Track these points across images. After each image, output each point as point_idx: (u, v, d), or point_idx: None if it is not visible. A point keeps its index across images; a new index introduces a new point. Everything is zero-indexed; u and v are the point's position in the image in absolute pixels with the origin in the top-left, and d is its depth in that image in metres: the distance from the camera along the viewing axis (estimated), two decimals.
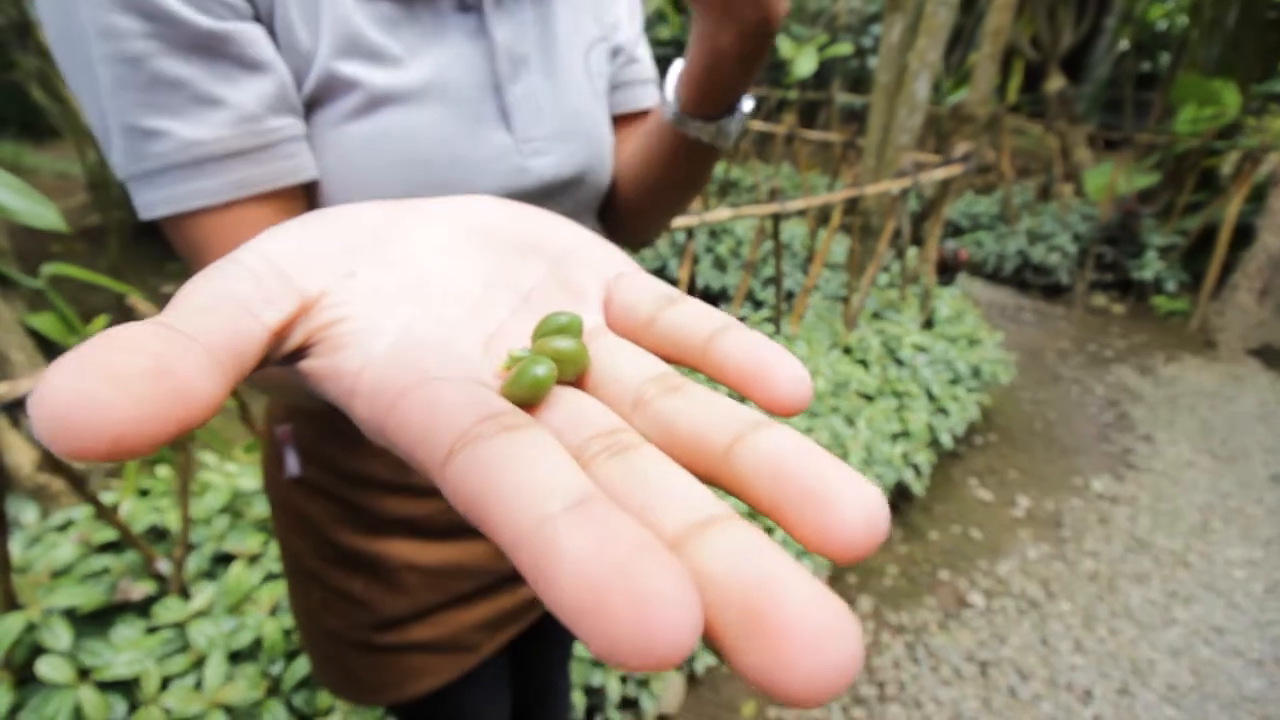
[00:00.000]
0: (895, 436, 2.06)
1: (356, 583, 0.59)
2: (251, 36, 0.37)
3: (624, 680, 1.45)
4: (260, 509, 1.34)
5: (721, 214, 1.78)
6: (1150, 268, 3.91)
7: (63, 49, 0.36)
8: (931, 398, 2.24)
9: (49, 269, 1.25)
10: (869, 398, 2.14)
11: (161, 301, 2.67)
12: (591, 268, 0.22)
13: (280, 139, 0.39)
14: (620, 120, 0.58)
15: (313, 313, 0.18)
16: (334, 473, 0.57)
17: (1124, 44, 7.10)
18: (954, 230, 4.72)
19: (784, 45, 6.08)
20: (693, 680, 1.59)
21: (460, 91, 0.44)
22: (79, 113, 3.33)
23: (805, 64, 5.70)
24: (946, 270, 2.92)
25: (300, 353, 0.18)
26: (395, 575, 0.59)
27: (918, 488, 2.10)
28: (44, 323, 1.24)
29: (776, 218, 1.94)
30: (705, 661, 1.56)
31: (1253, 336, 3.49)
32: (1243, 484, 2.46)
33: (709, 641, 0.12)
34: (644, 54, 0.58)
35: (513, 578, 0.65)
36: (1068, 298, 4.13)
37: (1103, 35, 7.58)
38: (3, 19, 3.39)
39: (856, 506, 0.13)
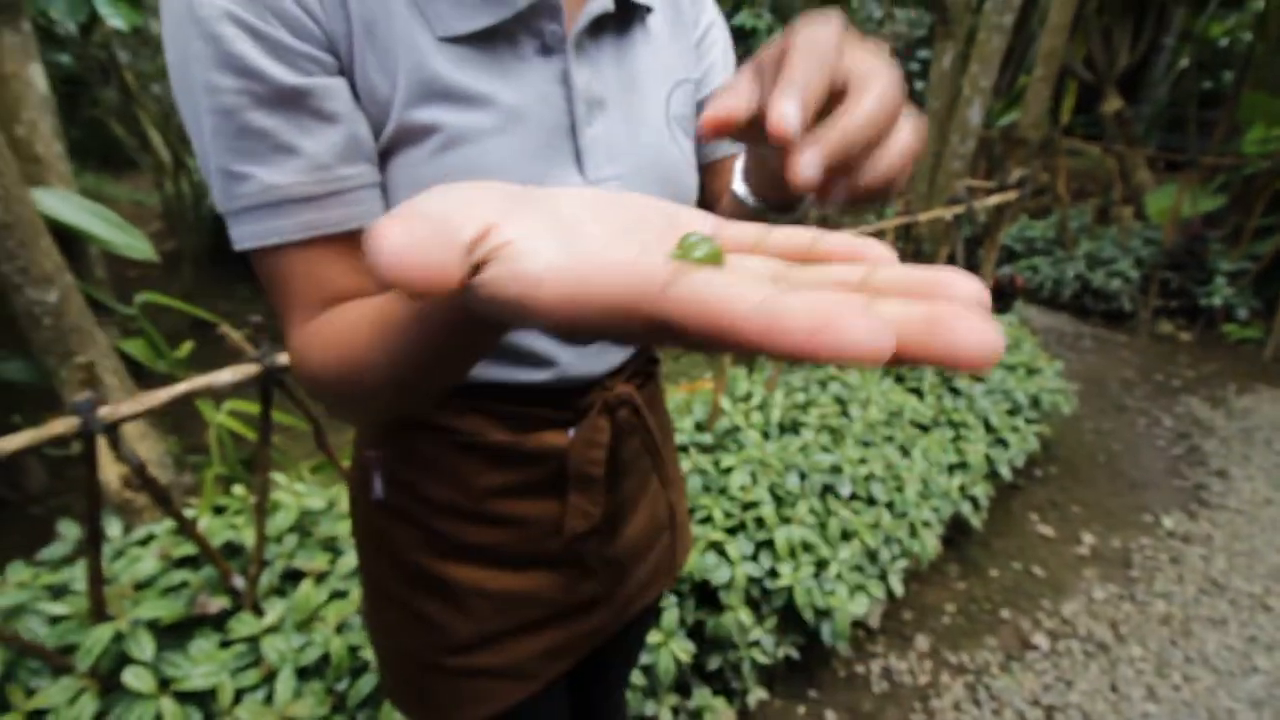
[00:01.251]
0: (952, 468, 2.01)
1: (432, 605, 0.61)
2: (331, 91, 0.41)
3: (675, 712, 1.44)
4: (327, 528, 1.39)
5: None
6: (1219, 294, 3.74)
7: (182, 99, 0.41)
8: (989, 428, 2.18)
9: (141, 297, 1.33)
10: (924, 428, 2.10)
11: (239, 326, 2.81)
12: (699, 219, 0.28)
13: (350, 186, 0.42)
14: (709, 172, 0.60)
15: (489, 235, 0.22)
16: (415, 498, 0.59)
17: (1184, 62, 6.87)
18: (1009, 255, 4.61)
19: None
20: (744, 715, 1.56)
21: (535, 134, 0.46)
22: (158, 147, 3.55)
23: None
24: (1003, 297, 2.85)
25: (481, 267, 0.22)
26: (466, 600, 0.61)
27: (976, 521, 2.04)
28: (135, 347, 1.33)
29: None
30: (757, 696, 1.53)
31: None
32: None
33: (900, 348, 0.18)
34: None
35: (576, 610, 0.66)
36: (1131, 325, 3.98)
37: (1161, 54, 7.36)
38: (91, 60, 3.66)
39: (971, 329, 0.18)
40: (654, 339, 0.21)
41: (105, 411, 0.93)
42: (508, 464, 0.57)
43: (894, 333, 0.17)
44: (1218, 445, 2.79)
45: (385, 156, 0.44)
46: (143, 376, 1.47)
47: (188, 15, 0.38)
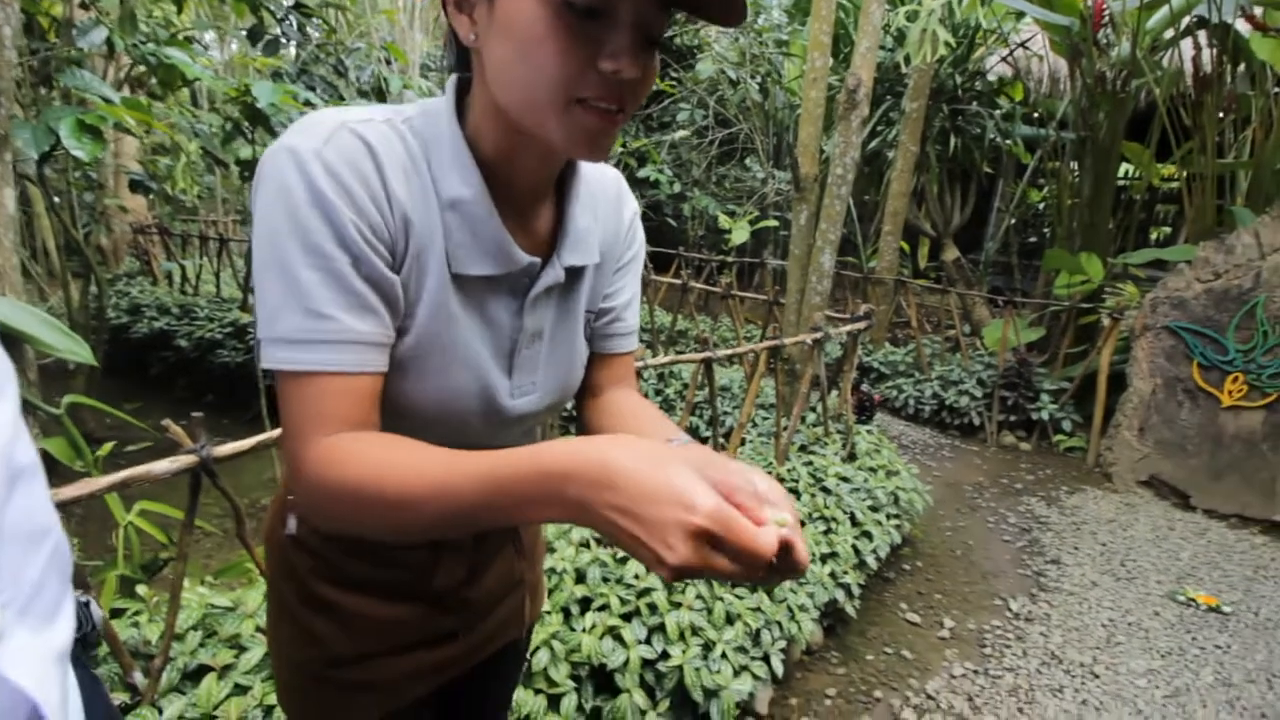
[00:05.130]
0: (824, 558, 2.26)
1: (319, 623, 0.75)
2: (397, 284, 0.58)
3: None
4: (231, 626, 1.43)
5: (661, 360, 2.09)
6: (1045, 409, 4.40)
7: (272, 256, 0.54)
8: (855, 522, 2.47)
9: (69, 398, 1.42)
10: (801, 523, 2.35)
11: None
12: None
13: (389, 344, 0.59)
14: (597, 357, 0.79)
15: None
16: (322, 537, 0.75)
17: (1011, 221, 8.32)
18: (878, 376, 5.22)
19: (722, 219, 6.94)
20: None
21: (487, 348, 0.65)
22: (54, 258, 3.53)
23: (740, 234, 6.51)
24: (864, 409, 3.28)
25: None
26: (349, 621, 0.75)
27: (850, 609, 2.26)
28: (54, 446, 1.38)
29: (709, 363, 2.26)
30: None
31: (1140, 469, 3.91)
32: (1140, 600, 2.71)
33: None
34: (630, 315, 0.79)
35: (438, 639, 0.80)
36: (981, 436, 4.56)
37: (992, 214, 8.89)
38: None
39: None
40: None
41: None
42: None
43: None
44: (1053, 538, 3.21)
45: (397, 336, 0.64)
46: (58, 475, 1.48)
47: (307, 197, 0.52)
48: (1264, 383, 3.56)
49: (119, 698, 1.19)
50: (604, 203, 0.75)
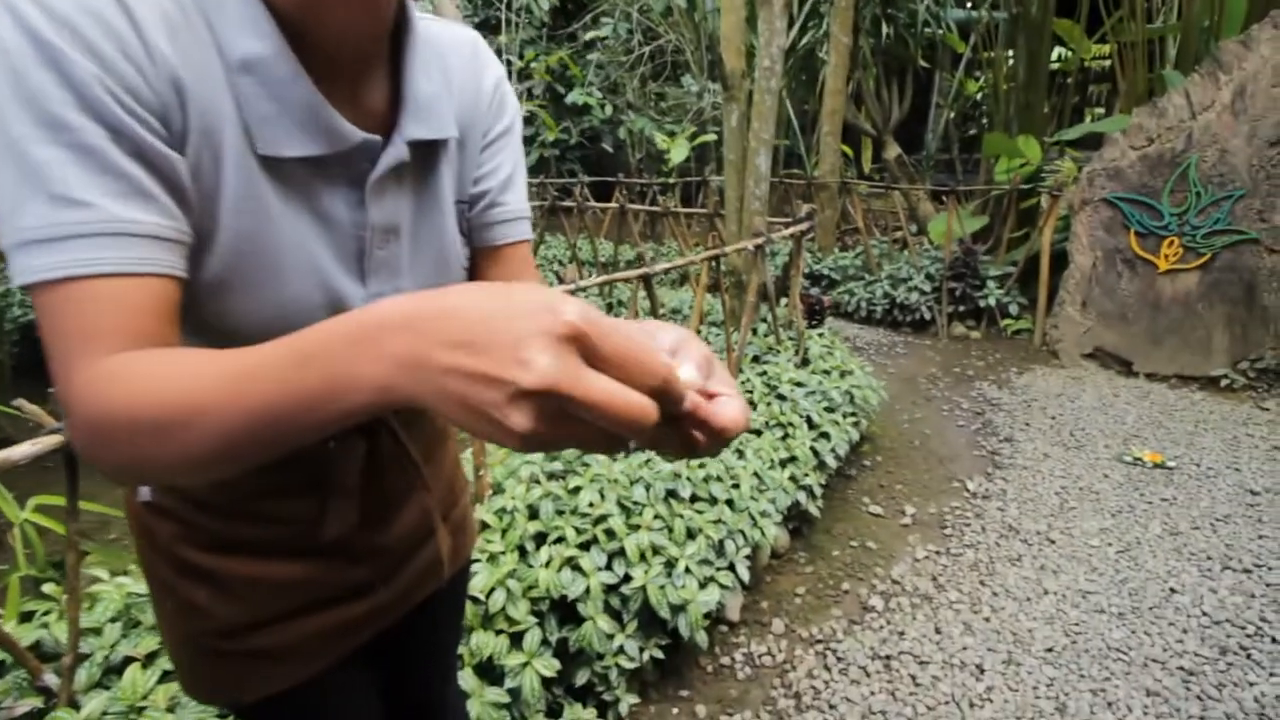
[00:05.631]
0: (783, 462, 2.24)
1: (200, 593, 0.65)
2: (178, 162, 0.45)
3: None
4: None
5: (596, 279, 1.98)
6: (992, 296, 4.45)
7: None
8: (812, 425, 2.45)
9: None
10: (756, 432, 2.33)
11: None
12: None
13: (187, 241, 0.46)
14: (483, 255, 0.68)
15: None
16: (178, 498, 0.64)
17: (950, 115, 8.24)
18: (829, 284, 5.20)
19: (659, 138, 6.68)
20: None
21: (327, 251, 0.54)
22: None
23: (679, 153, 6.28)
24: (815, 314, 3.24)
25: None
26: (235, 588, 0.65)
27: (813, 509, 2.27)
28: None
29: (647, 280, 2.16)
30: (629, 703, 1.59)
31: (1084, 342, 4.01)
32: (1090, 466, 2.80)
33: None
34: (513, 198, 0.67)
35: (350, 594, 0.70)
36: (933, 330, 4.60)
37: (931, 110, 8.79)
38: None
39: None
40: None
41: None
42: (264, 468, 0.50)
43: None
44: (1005, 417, 3.28)
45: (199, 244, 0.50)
46: None
47: (33, 54, 0.39)
48: (1198, 243, 3.63)
49: (31, 703, 1.10)
50: (458, 66, 0.62)
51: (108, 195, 0.41)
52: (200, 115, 0.46)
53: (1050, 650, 1.85)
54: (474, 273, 0.68)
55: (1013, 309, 4.47)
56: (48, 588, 1.33)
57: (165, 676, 1.21)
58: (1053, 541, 2.32)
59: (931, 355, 4.21)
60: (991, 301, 4.43)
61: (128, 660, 1.23)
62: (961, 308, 4.55)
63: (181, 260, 0.46)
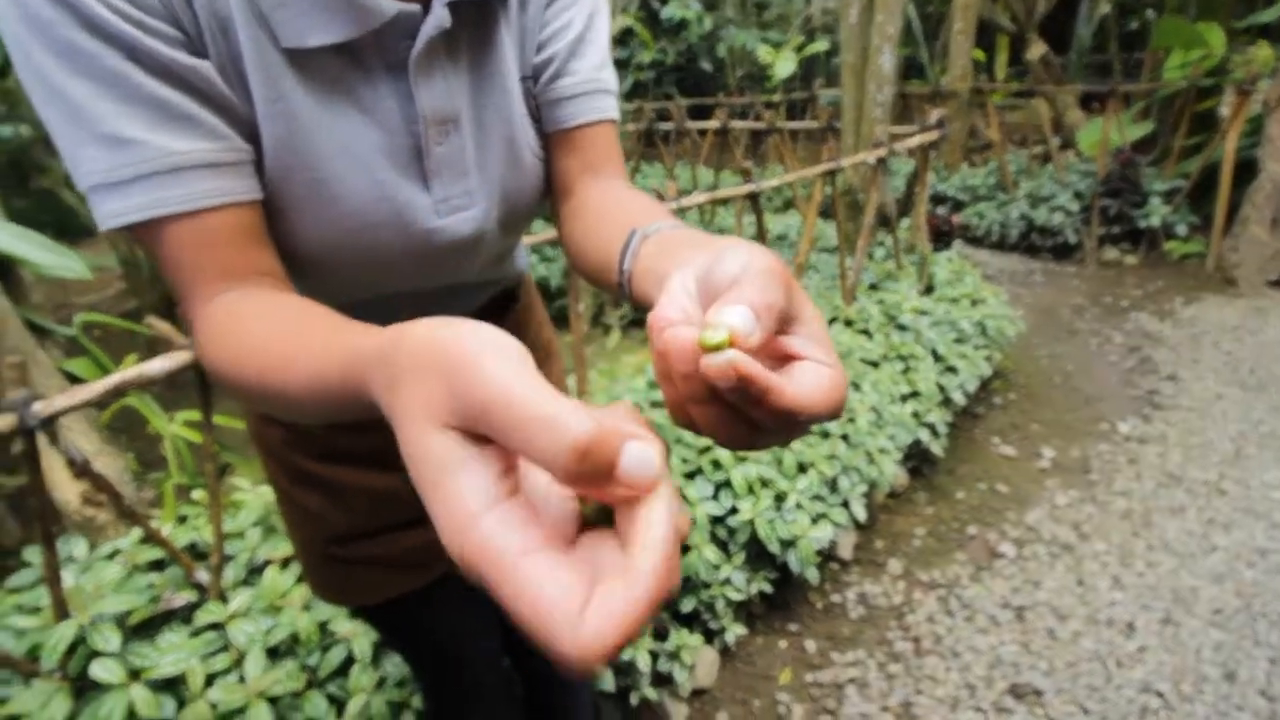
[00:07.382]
0: (905, 397, 2.07)
1: (312, 499, 0.67)
2: (210, 72, 0.40)
3: (654, 656, 1.47)
4: None
5: (698, 198, 1.84)
6: (1156, 214, 3.86)
7: (36, 76, 0.37)
8: (938, 358, 2.24)
9: (80, 317, 1.36)
10: (874, 364, 2.15)
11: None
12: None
13: (247, 160, 0.42)
14: (556, 140, 0.56)
15: None
16: None
17: (1105, 8, 7.09)
18: (955, 205, 4.71)
19: (762, 51, 6.21)
20: (726, 653, 1.60)
21: (381, 155, 0.47)
22: None
23: (784, 66, 5.82)
24: (941, 236, 2.93)
25: None
26: (345, 496, 0.66)
27: (937, 449, 2.09)
28: (80, 366, 1.35)
29: (754, 198, 1.99)
30: (736, 633, 1.56)
31: (1270, 268, 3.41)
32: (1274, 409, 2.40)
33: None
34: (586, 65, 0.55)
35: None
36: (1078, 256, 4.09)
37: (1083, 1, 7.58)
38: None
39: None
40: None
41: (40, 406, 0.95)
42: None
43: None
44: (1167, 353, 2.88)
45: None
46: None
47: None
48: None
49: (186, 596, 1.20)
50: None
51: (150, 127, 0.39)
52: (208, 8, 0.40)
53: (1218, 612, 1.62)
54: (549, 165, 0.58)
55: (1180, 229, 3.87)
56: (197, 494, 1.45)
57: (301, 579, 1.29)
58: (1224, 493, 2.02)
59: (1076, 284, 3.74)
60: (1155, 221, 3.84)
61: (268, 563, 1.32)
62: (1115, 229, 3.99)
63: (244, 181, 0.43)
